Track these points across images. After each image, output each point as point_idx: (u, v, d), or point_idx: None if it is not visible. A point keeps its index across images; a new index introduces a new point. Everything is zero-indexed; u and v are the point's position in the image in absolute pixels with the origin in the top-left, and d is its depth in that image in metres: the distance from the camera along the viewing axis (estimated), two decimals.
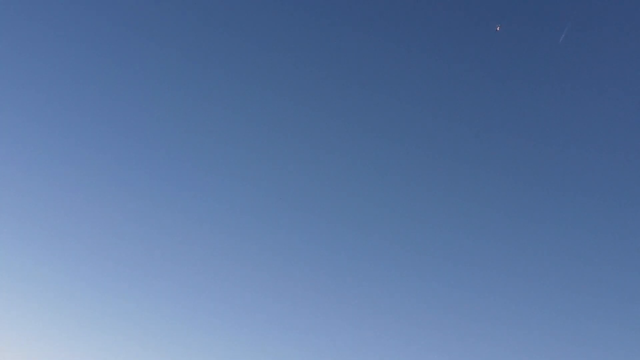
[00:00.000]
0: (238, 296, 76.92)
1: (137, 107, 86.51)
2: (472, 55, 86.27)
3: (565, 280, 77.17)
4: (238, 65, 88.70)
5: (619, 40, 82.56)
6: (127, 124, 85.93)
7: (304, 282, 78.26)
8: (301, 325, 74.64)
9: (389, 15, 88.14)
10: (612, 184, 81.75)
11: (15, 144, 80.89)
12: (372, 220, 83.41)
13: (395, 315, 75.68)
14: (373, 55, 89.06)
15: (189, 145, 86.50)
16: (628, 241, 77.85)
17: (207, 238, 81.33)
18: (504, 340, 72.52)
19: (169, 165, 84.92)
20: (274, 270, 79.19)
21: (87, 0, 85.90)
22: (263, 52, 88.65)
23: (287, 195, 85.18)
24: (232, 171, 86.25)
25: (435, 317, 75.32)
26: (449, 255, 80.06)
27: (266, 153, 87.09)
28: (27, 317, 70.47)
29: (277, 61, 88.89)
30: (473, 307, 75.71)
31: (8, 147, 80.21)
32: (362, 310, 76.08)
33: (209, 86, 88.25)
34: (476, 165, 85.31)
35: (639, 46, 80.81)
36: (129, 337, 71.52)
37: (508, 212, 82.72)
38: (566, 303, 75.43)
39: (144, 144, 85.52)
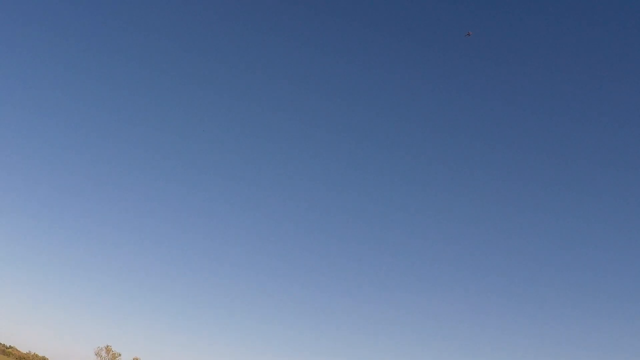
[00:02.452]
0: (237, 294, 77.58)
1: (136, 108, 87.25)
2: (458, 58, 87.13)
3: (564, 279, 78.01)
4: (241, 64, 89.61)
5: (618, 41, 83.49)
6: (126, 125, 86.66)
7: (303, 281, 78.94)
8: (300, 324, 75.37)
9: (385, 18, 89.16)
10: (611, 183, 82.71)
11: (15, 144, 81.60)
12: (371, 220, 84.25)
13: (394, 314, 76.40)
14: (372, 57, 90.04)
15: (188, 145, 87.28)
16: (628, 240, 78.89)
17: (207, 238, 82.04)
18: (503, 339, 73.27)
19: (168, 165, 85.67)
20: (273, 269, 79.91)
21: (84, 1, 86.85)
22: (263, 53, 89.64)
23: (287, 195, 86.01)
24: (232, 172, 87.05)
25: (434, 316, 76.05)
26: (448, 255, 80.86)
27: (267, 154, 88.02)
28: (27, 315, 71.12)
29: (277, 63, 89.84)
30: (472, 306, 76.47)
31: (7, 147, 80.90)
32: (360, 310, 76.80)
33: (208, 88, 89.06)
34: (471, 166, 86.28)
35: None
36: (128, 335, 72.17)
37: (506, 212, 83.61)
38: (565, 302, 76.28)
39: (143, 145, 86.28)
